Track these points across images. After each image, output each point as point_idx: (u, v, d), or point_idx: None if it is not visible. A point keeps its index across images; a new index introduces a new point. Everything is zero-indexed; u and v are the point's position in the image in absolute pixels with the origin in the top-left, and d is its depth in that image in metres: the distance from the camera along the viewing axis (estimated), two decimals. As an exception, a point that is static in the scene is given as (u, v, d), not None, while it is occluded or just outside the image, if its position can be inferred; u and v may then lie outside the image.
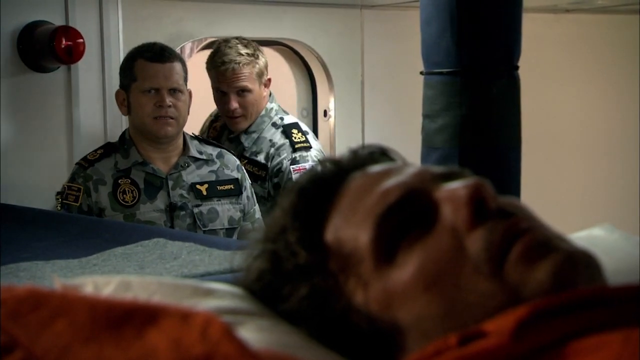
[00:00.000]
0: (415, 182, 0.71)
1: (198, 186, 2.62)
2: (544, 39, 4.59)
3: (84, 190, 2.55)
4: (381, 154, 0.80)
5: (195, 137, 2.74)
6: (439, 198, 0.69)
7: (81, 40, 3.22)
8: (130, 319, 0.55)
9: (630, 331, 0.54)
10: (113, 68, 3.45)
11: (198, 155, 2.66)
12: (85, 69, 3.40)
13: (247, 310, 0.71)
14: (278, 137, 3.04)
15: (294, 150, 3.00)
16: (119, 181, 2.56)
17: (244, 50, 3.01)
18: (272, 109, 3.10)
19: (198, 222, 2.59)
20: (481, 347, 0.56)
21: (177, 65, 2.58)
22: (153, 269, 1.48)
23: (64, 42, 3.15)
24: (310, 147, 3.05)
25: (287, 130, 3.06)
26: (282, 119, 3.11)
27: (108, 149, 2.65)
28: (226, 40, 3.07)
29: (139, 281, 0.72)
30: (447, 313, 0.64)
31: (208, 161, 2.67)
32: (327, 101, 4.22)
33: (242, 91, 2.99)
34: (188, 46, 4.90)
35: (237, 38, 3.07)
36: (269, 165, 3.01)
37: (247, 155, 3.04)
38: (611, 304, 0.59)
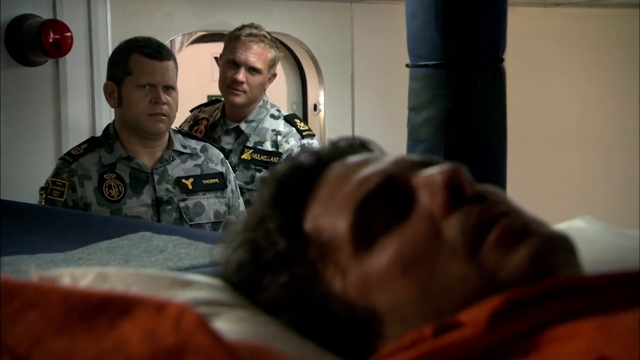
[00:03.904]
0: (393, 170, 0.71)
1: (184, 180, 2.61)
2: (534, 32, 4.60)
3: (69, 186, 2.54)
4: (360, 145, 0.80)
5: (178, 131, 2.74)
6: (416, 184, 0.69)
7: (69, 34, 3.21)
8: (104, 310, 0.55)
9: (603, 318, 0.54)
10: (101, 62, 3.45)
11: (182, 149, 2.65)
12: (73, 63, 3.40)
13: (225, 302, 0.71)
14: (282, 126, 3.10)
15: (302, 137, 3.08)
16: (105, 176, 2.54)
17: (269, 37, 3.10)
18: (268, 101, 3.16)
19: (184, 216, 2.59)
20: (456, 338, 0.57)
21: (172, 63, 2.58)
22: (138, 263, 1.48)
23: (51, 35, 3.15)
24: (314, 135, 3.16)
25: (290, 120, 3.15)
26: (279, 110, 3.18)
27: (92, 144, 2.63)
28: (252, 24, 3.12)
29: (116, 272, 0.72)
30: (425, 297, 0.65)
31: (192, 155, 2.67)
32: (317, 95, 4.22)
33: (254, 69, 3.04)
34: (178, 40, 4.90)
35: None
36: (280, 151, 3.05)
37: (251, 145, 3.06)
38: (585, 293, 0.59)
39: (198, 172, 2.65)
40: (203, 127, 3.26)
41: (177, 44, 5.14)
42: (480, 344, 0.56)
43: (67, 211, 2.42)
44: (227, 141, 3.11)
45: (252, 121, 3.10)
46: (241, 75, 3.03)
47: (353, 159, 0.75)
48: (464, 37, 2.08)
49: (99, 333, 0.53)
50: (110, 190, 2.53)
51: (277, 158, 3.05)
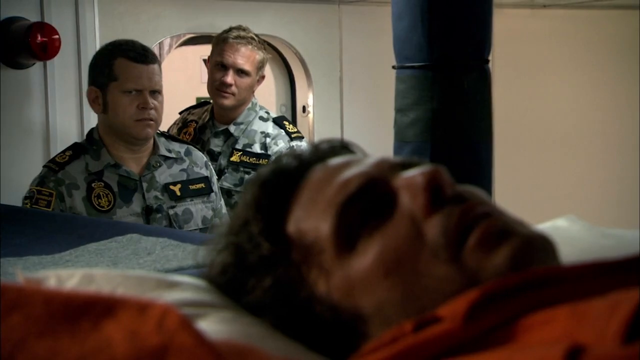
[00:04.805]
0: (374, 172, 0.72)
1: (171, 187, 2.58)
2: (521, 34, 4.62)
3: (57, 195, 2.47)
4: (342, 147, 0.81)
5: (161, 134, 2.70)
6: (397, 186, 0.70)
7: (57, 36, 3.21)
8: (87, 311, 0.55)
9: (576, 305, 0.55)
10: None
11: (167, 154, 2.62)
12: (61, 66, 3.39)
13: (211, 303, 0.71)
14: (270, 128, 3.10)
15: (291, 139, 3.08)
16: (92, 185, 2.49)
17: (257, 38, 3.10)
18: (256, 103, 3.16)
19: (174, 224, 2.55)
20: (435, 332, 0.58)
21: (157, 67, 2.53)
22: (126, 265, 1.48)
23: (39, 38, 3.14)
24: (303, 137, 3.16)
25: (278, 122, 3.15)
26: (267, 112, 3.18)
27: (77, 150, 2.56)
28: (240, 26, 3.12)
29: (102, 274, 0.72)
30: (407, 298, 0.65)
31: (177, 159, 2.63)
32: (306, 97, 4.22)
33: (242, 72, 3.05)
34: (167, 42, 4.90)
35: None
36: (269, 153, 3.05)
37: (240, 147, 3.06)
38: (559, 283, 0.60)
39: (184, 177, 2.62)
40: (192, 129, 3.26)
41: (166, 46, 5.13)
42: (459, 337, 0.57)
43: (55, 214, 2.41)
44: (216, 143, 3.11)
45: (241, 123, 3.11)
46: (229, 78, 3.03)
47: (334, 161, 0.76)
48: (449, 38, 2.09)
49: (82, 334, 0.54)
50: (100, 200, 2.48)
51: (266, 160, 3.06)
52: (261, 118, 3.13)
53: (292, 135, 3.11)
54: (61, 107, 3.42)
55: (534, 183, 4.79)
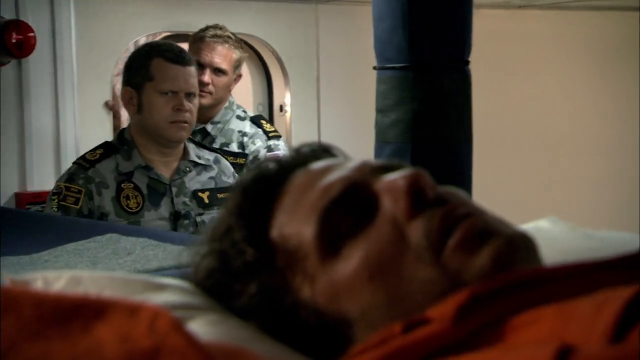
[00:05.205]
0: (356, 176, 0.72)
1: (200, 194, 2.53)
2: (497, 35, 4.65)
3: (85, 193, 2.42)
4: (323, 150, 0.81)
5: (191, 140, 2.65)
6: (378, 190, 0.70)
7: (32, 34, 3.19)
8: (77, 314, 0.55)
9: (562, 304, 0.56)
10: (65, 63, 3.42)
11: (197, 160, 2.57)
12: (37, 64, 3.37)
13: (197, 305, 0.71)
14: (248, 127, 3.10)
15: (268, 138, 3.08)
16: (122, 185, 2.44)
17: (233, 37, 3.09)
18: (234, 102, 3.16)
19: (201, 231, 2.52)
20: (424, 334, 0.58)
21: (194, 69, 2.49)
22: (106, 265, 1.47)
23: (14, 36, 3.12)
24: (280, 136, 3.15)
25: (256, 121, 3.14)
26: (245, 111, 3.18)
27: (107, 149, 2.50)
28: (217, 24, 3.10)
29: (89, 276, 0.72)
30: (392, 302, 0.66)
31: (207, 167, 2.59)
32: (283, 96, 4.23)
33: (219, 71, 3.03)
34: (142, 41, 4.87)
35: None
36: (246, 152, 3.05)
37: (217, 146, 3.06)
38: (545, 283, 0.61)
39: (213, 185, 2.57)
40: None
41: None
42: (448, 338, 0.58)
43: (32, 213, 2.40)
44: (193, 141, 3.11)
45: (218, 122, 3.10)
46: (206, 77, 3.02)
47: (316, 165, 0.76)
48: (430, 40, 2.11)
49: (73, 337, 0.54)
50: (128, 201, 2.43)
51: (244, 159, 3.05)
52: (238, 117, 3.13)
53: (270, 134, 3.11)
54: (37, 106, 3.39)
55: (513, 183, 4.83)
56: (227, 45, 3.05)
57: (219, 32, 3.08)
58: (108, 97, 3.82)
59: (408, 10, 2.06)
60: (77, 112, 3.60)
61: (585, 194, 5.12)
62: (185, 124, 2.46)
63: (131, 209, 2.44)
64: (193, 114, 2.48)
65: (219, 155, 2.69)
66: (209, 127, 3.09)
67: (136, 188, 2.45)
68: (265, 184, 0.76)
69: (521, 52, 4.82)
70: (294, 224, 0.72)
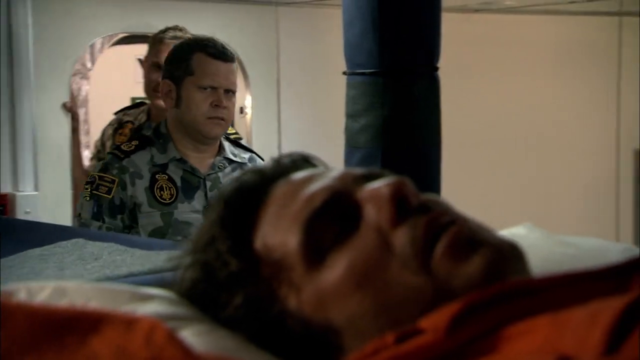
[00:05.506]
0: (339, 185, 0.72)
1: None
2: (455, 38, 4.70)
3: (119, 183, 2.41)
4: (304, 160, 0.81)
5: (227, 138, 2.63)
6: (361, 198, 0.71)
7: (-11, 34, 3.13)
8: (72, 327, 0.55)
9: (556, 314, 0.57)
10: (22, 63, 3.37)
11: (233, 157, 2.56)
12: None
13: (185, 316, 0.71)
14: None
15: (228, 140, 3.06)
16: (156, 176, 2.43)
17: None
18: None
19: None
20: (417, 344, 0.58)
21: (235, 67, 2.48)
22: (73, 270, 1.45)
23: (-30, 36, 3.06)
24: (241, 138, 3.12)
25: None
26: None
27: (143, 141, 2.49)
28: (176, 26, 3.04)
29: (74, 287, 0.71)
30: (379, 310, 0.66)
31: (242, 164, 2.57)
32: (243, 98, 4.22)
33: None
34: (99, 41, 4.81)
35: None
36: None
37: None
38: (538, 293, 0.62)
39: None
40: (128, 130, 3.21)
41: (98, 45, 5.04)
42: (441, 349, 0.58)
43: (-8, 217, 2.35)
44: None
45: None
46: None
47: (298, 175, 0.76)
48: (400, 45, 2.12)
49: (68, 350, 0.53)
50: (162, 192, 2.41)
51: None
52: None
53: (231, 136, 3.09)
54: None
55: (483, 188, 4.87)
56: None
57: (178, 33, 3.05)
58: (66, 98, 3.77)
59: (378, 15, 2.07)
60: (35, 113, 3.55)
61: (560, 199, 5.19)
62: (222, 121, 2.45)
63: (164, 200, 2.42)
64: (230, 111, 2.47)
65: (254, 155, 2.67)
66: None
67: (170, 180, 2.44)
68: (247, 195, 0.76)
69: (478, 56, 4.87)
70: (278, 234, 0.72)
